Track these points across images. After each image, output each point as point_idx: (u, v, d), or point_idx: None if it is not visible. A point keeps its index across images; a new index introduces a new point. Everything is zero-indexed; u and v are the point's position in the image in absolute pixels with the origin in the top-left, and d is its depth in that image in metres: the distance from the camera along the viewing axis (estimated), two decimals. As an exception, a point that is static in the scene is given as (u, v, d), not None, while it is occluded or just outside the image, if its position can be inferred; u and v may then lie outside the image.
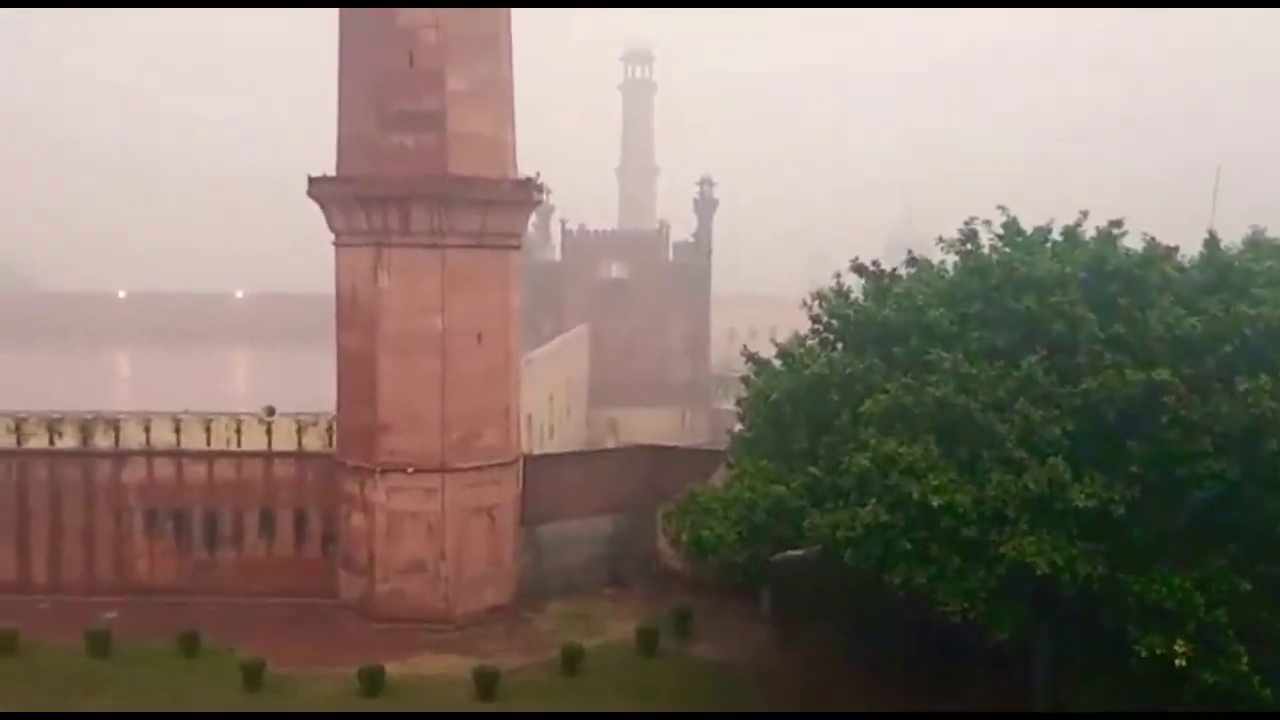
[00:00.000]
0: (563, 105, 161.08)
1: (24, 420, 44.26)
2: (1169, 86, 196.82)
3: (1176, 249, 30.54)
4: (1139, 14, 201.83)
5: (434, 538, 41.51)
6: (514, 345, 43.99)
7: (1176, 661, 24.37)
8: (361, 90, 41.36)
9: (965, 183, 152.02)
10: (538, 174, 43.83)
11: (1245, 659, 24.33)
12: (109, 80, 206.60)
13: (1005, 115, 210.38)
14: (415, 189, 40.22)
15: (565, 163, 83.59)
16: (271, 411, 44.84)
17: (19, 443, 44.10)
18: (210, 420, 44.45)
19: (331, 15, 42.41)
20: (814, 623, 37.85)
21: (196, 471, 44.18)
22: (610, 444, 67.34)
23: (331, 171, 42.23)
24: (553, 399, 64.27)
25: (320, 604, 42.51)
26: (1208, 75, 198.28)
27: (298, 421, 44.47)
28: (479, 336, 41.90)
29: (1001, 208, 33.18)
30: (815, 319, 34.66)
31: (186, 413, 44.77)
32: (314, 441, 44.28)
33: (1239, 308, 26.61)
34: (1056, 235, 33.14)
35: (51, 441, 44.13)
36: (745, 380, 37.02)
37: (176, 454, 44.18)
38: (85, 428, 44.27)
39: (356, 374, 42.37)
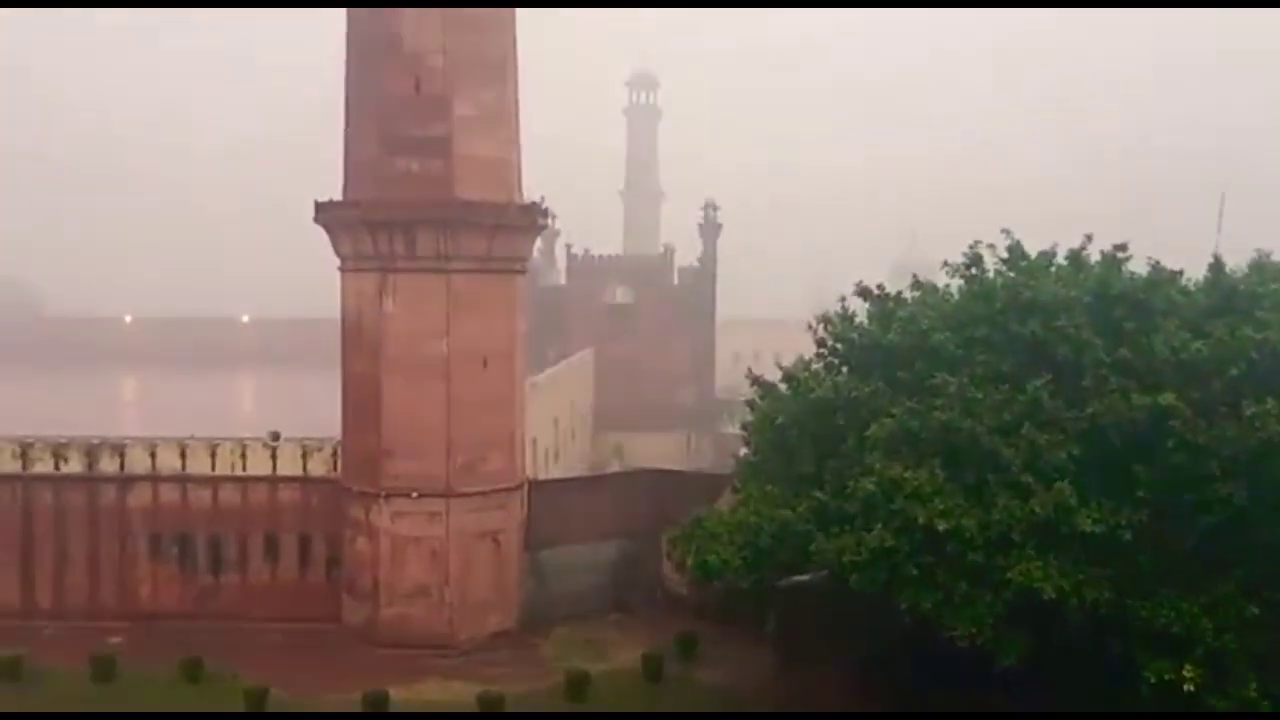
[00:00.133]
0: (569, 127, 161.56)
1: (30, 445, 44.30)
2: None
3: (1181, 273, 30.59)
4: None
5: (438, 563, 41.41)
6: (519, 369, 44.01)
7: (1185, 687, 24.26)
8: (368, 116, 41.55)
9: (966, 200, 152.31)
10: (543, 198, 44.02)
11: (1255, 684, 24.21)
12: (111, 105, 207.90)
13: (1005, 135, 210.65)
14: (421, 214, 40.35)
15: (570, 186, 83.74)
16: (276, 436, 44.83)
17: (24, 467, 44.15)
18: (215, 445, 44.44)
19: (339, 40, 42.72)
20: (820, 648, 37.63)
21: (201, 496, 44.15)
22: (615, 468, 67.25)
23: (338, 196, 42.40)
24: (557, 423, 64.28)
25: (324, 629, 42.38)
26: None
27: (303, 446, 44.47)
28: (484, 361, 41.93)
29: (1005, 231, 33.25)
30: (820, 342, 34.69)
31: (192, 438, 44.78)
32: (319, 466, 44.27)
33: (1245, 331, 26.59)
34: (1061, 259, 33.18)
35: (57, 466, 44.17)
36: (750, 404, 36.99)
37: (181, 479, 44.15)
38: (91, 452, 44.28)
39: (361, 399, 42.38)
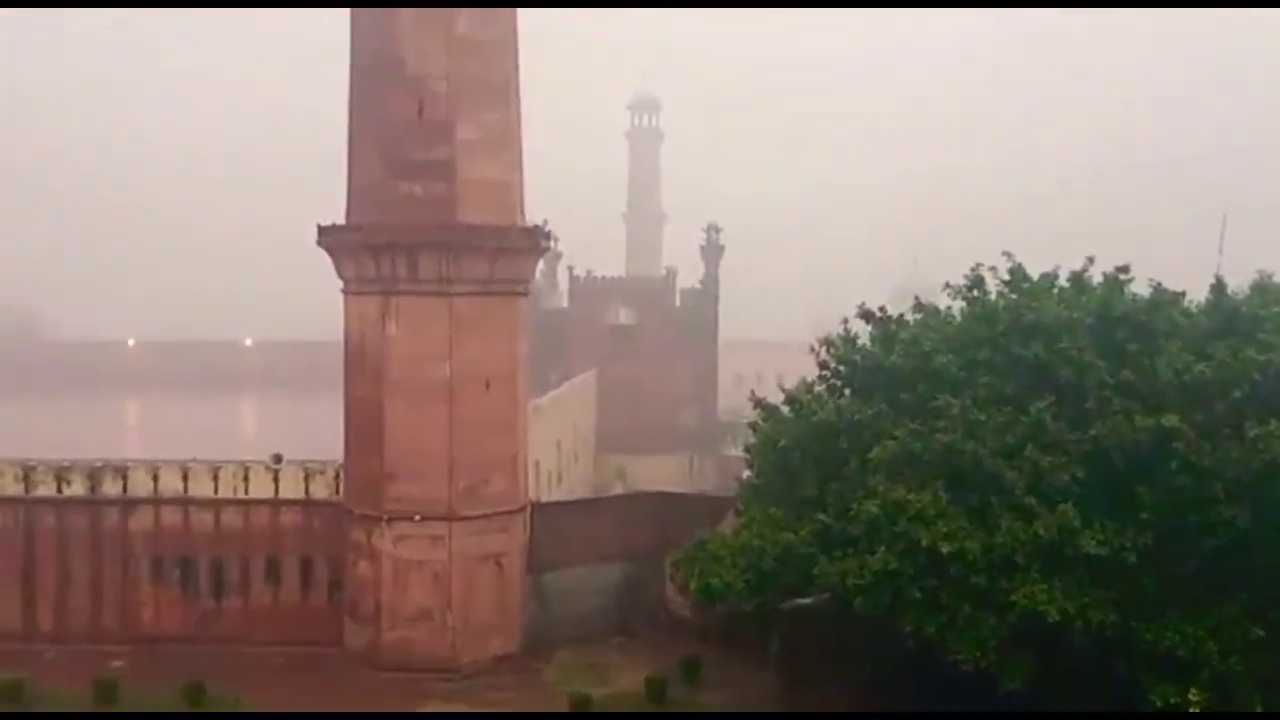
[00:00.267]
0: (571, 150, 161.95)
1: (33, 468, 44.28)
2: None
3: (1183, 294, 30.61)
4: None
5: (441, 586, 41.31)
6: (522, 392, 44.00)
7: (1191, 710, 24.15)
8: (371, 140, 41.72)
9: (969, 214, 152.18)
10: (545, 221, 44.13)
11: (1260, 707, 24.11)
12: (111, 129, 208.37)
13: (1004, 159, 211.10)
14: (424, 237, 40.43)
15: (573, 209, 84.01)
16: (279, 459, 44.79)
17: (27, 490, 44.11)
18: (218, 468, 44.40)
19: (342, 64, 42.90)
20: (823, 671, 37.47)
21: (203, 519, 44.07)
22: (618, 491, 67.15)
23: (341, 220, 42.53)
24: (560, 445, 64.24)
25: (326, 653, 42.23)
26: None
27: (305, 469, 44.43)
28: (487, 383, 41.94)
29: (1007, 253, 33.33)
30: (823, 365, 34.73)
31: (194, 461, 44.75)
32: (321, 489, 44.18)
33: (1247, 353, 26.62)
34: (1063, 281, 33.23)
35: (59, 489, 44.11)
36: (753, 426, 36.99)
37: (184, 502, 44.10)
38: (93, 475, 44.23)
39: (364, 422, 42.38)
